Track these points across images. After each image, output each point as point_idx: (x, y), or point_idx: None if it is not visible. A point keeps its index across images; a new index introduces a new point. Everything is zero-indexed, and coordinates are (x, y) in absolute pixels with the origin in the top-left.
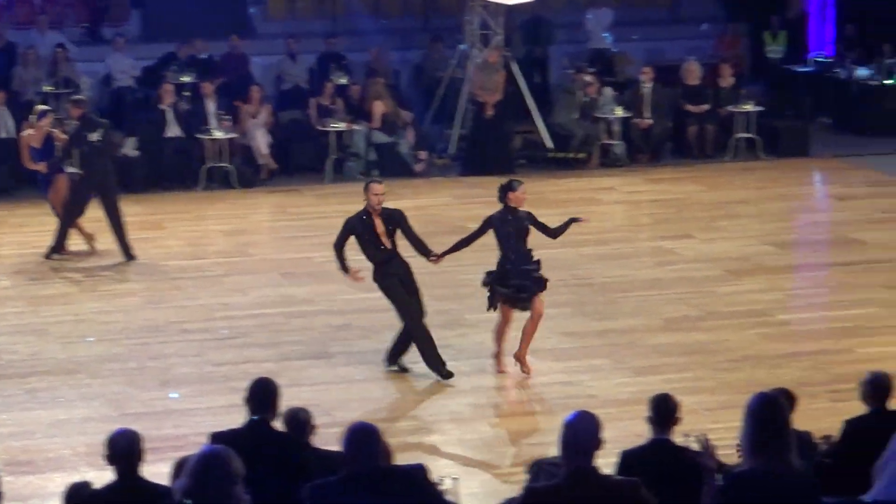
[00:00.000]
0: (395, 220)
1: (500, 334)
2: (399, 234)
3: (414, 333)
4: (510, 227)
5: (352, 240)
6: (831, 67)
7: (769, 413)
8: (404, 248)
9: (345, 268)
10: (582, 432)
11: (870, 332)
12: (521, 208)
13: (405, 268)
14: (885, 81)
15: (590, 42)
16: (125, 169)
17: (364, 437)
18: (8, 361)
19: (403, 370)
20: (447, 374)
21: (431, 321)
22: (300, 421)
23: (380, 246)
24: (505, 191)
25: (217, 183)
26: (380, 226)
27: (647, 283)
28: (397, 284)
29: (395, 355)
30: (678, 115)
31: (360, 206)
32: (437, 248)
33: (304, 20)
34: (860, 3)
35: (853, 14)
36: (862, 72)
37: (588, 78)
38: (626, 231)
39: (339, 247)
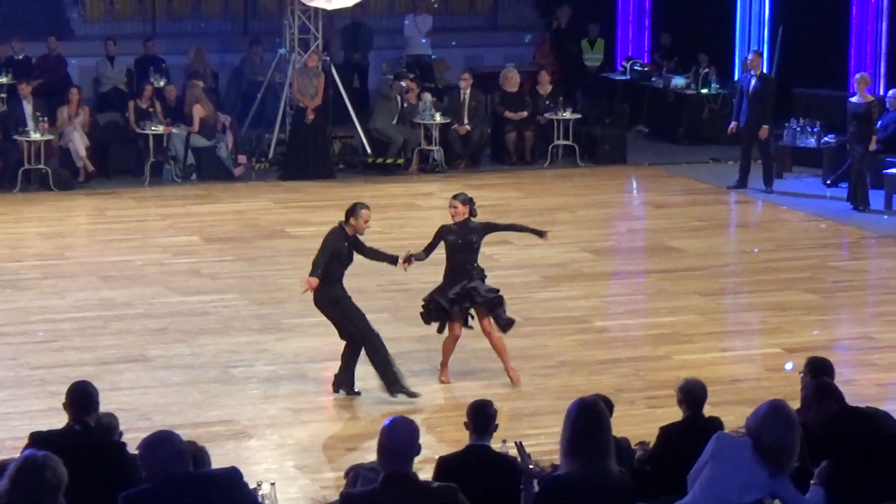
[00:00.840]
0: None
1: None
2: None
3: (375, 354)
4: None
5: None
6: (648, 76)
7: (588, 418)
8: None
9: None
10: (399, 438)
11: (686, 339)
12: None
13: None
14: (701, 91)
15: (408, 48)
16: None
17: (167, 444)
18: None
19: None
20: (409, 393)
21: (249, 326)
22: (106, 426)
23: (345, 267)
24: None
25: (34, 185)
26: (351, 247)
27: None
28: (352, 303)
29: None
30: (497, 121)
31: (179, 210)
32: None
33: (122, 22)
34: (676, 13)
35: (669, 23)
36: (678, 81)
37: (407, 83)
38: None
39: (321, 262)
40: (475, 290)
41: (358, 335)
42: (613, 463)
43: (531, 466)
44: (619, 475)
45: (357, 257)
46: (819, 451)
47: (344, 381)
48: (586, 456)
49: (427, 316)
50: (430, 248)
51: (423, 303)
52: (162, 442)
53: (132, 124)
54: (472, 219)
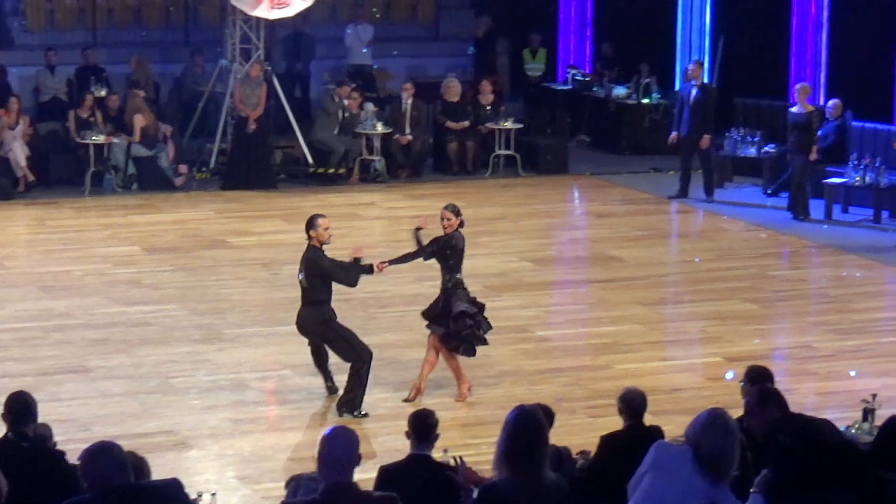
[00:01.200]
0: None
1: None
2: None
3: (361, 374)
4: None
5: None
6: (589, 86)
7: (526, 426)
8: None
9: (367, 268)
10: (339, 447)
11: (627, 348)
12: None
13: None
14: (642, 100)
15: (350, 57)
16: None
17: (106, 455)
18: None
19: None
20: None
21: (190, 336)
22: (39, 437)
23: (327, 283)
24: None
25: None
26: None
27: (406, 299)
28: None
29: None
30: (438, 131)
31: (120, 220)
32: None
33: (63, 32)
34: (617, 23)
35: (610, 33)
36: (619, 90)
37: (348, 93)
38: (386, 247)
39: (340, 271)
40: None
41: (353, 355)
42: (550, 471)
43: (465, 480)
44: (555, 482)
45: None
46: (761, 458)
47: (348, 402)
48: (523, 464)
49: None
50: (416, 255)
51: (469, 325)
52: (102, 452)
53: (73, 134)
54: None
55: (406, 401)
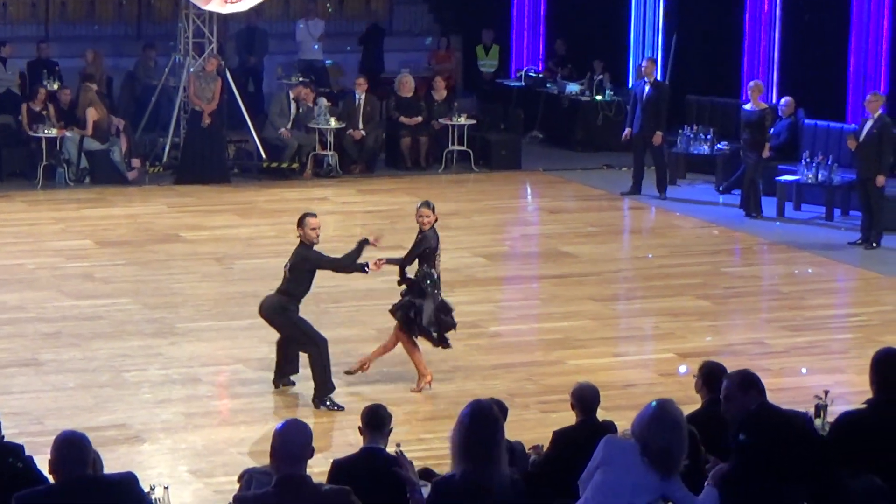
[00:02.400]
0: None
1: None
2: None
3: (321, 359)
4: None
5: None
6: (542, 83)
7: (479, 421)
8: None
9: (363, 267)
10: (291, 440)
11: (579, 343)
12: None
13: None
14: (595, 97)
15: (300, 53)
16: None
17: (71, 446)
18: None
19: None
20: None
21: (142, 330)
22: None
23: (311, 281)
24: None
25: None
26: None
27: (359, 294)
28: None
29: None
30: (392, 126)
31: (73, 214)
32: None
33: (15, 25)
34: (570, 20)
35: (563, 30)
36: (572, 87)
37: (302, 88)
38: (339, 242)
39: (335, 261)
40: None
41: (305, 341)
42: (505, 466)
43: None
44: (510, 478)
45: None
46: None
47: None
48: (477, 458)
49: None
50: (410, 258)
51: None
52: (65, 442)
53: (25, 127)
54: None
55: (347, 372)
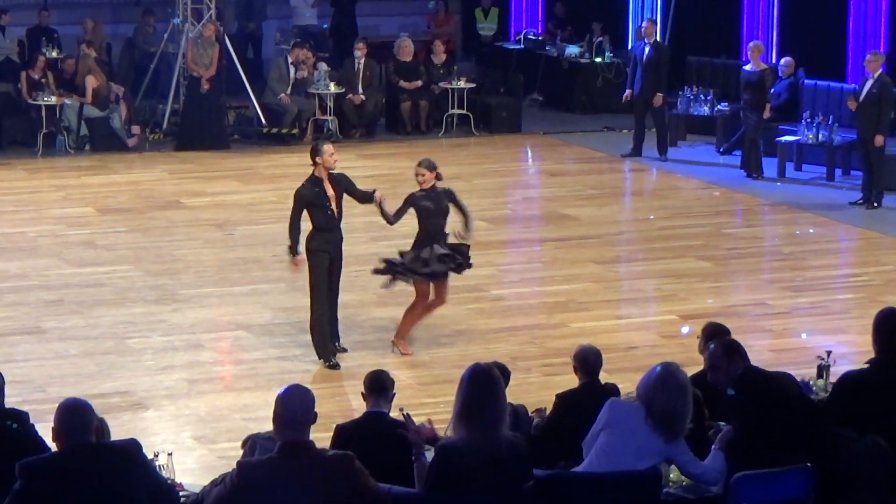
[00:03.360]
0: (344, 182)
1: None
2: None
3: (312, 322)
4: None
5: None
6: (542, 45)
7: (481, 384)
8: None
9: (295, 249)
10: (293, 406)
11: (582, 306)
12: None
13: (340, 244)
14: (595, 59)
15: (294, 18)
16: None
17: (73, 414)
18: None
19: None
20: (334, 365)
21: (144, 297)
22: None
23: (328, 211)
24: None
25: None
26: (330, 189)
27: (361, 259)
28: (324, 265)
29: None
30: (391, 90)
31: (73, 181)
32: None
33: None
34: None
35: None
36: (572, 50)
37: (299, 51)
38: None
39: (295, 224)
40: (459, 251)
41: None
42: (506, 428)
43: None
44: (513, 440)
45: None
46: (725, 412)
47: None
48: (480, 421)
49: (384, 272)
50: (399, 214)
51: (383, 264)
52: (68, 410)
53: (24, 95)
54: (437, 183)
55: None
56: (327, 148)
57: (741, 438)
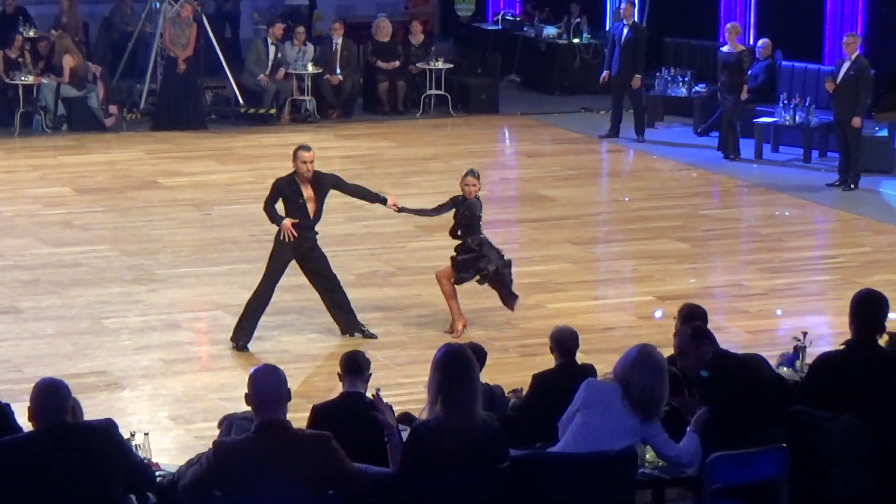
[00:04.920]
0: (327, 186)
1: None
2: (326, 205)
3: (247, 306)
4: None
5: None
6: (520, 26)
7: (455, 366)
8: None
9: (277, 220)
10: (265, 385)
11: (558, 287)
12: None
13: (310, 245)
14: (573, 40)
15: None
16: None
17: (49, 394)
18: None
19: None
20: (242, 347)
21: (121, 277)
22: None
23: (301, 209)
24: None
25: None
26: (307, 191)
27: (338, 239)
28: (284, 257)
29: (352, 323)
30: (369, 71)
31: (50, 161)
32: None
33: None
34: None
35: None
36: (550, 30)
37: (279, 33)
38: None
39: (270, 209)
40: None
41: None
42: (479, 409)
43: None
44: (487, 421)
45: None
46: (697, 396)
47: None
48: (454, 402)
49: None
50: (436, 212)
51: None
52: (44, 390)
53: (1, 74)
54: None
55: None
56: (302, 154)
57: (715, 419)
